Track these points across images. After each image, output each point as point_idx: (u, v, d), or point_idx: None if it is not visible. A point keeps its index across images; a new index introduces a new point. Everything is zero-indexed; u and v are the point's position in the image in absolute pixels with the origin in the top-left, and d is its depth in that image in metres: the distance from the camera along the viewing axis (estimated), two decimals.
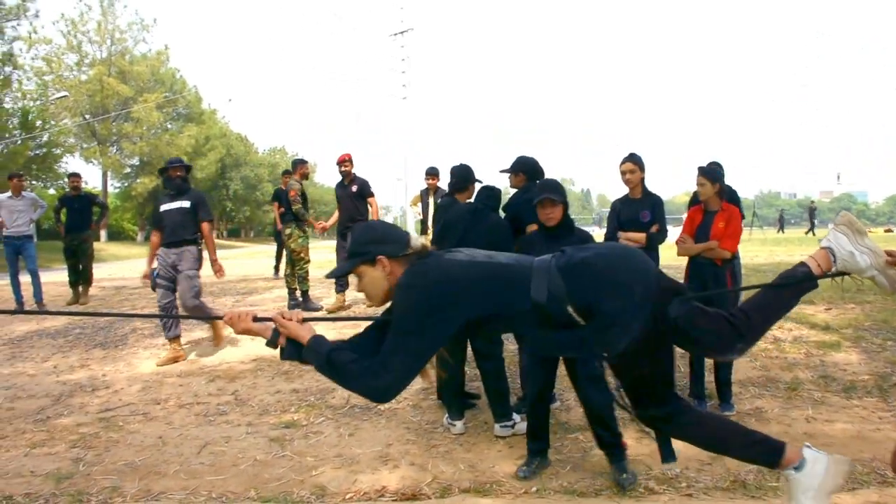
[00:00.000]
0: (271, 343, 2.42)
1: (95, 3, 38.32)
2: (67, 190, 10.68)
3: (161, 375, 6.00)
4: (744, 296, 2.92)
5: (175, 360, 6.35)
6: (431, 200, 9.09)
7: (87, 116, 36.83)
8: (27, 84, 33.41)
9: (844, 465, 2.31)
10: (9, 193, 9.44)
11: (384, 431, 4.44)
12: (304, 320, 2.43)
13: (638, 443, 4.12)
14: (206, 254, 6.56)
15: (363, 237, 2.40)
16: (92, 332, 7.85)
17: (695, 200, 5.13)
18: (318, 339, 2.31)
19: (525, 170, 4.74)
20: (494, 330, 2.44)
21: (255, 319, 2.46)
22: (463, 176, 5.03)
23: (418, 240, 2.39)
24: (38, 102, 33.08)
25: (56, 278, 12.32)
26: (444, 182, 9.17)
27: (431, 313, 2.18)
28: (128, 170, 41.26)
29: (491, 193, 4.66)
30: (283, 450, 4.16)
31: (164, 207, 6.41)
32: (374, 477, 3.72)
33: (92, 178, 44.35)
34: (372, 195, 8.77)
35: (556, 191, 3.88)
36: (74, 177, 10.32)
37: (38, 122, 30.38)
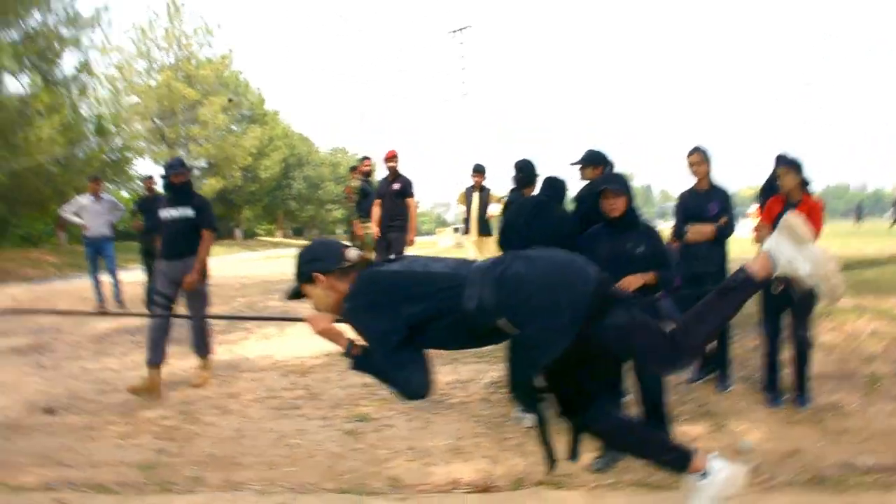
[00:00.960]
0: (347, 353, 2.58)
1: (163, 11, 39.42)
2: (143, 193, 11.05)
3: (235, 371, 6.19)
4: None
5: (150, 390, 5.45)
6: (476, 197, 9.09)
7: (157, 120, 37.96)
8: (101, 91, 34.68)
9: (742, 477, 2.47)
10: (89, 196, 9.84)
11: (455, 424, 4.49)
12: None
13: (710, 437, 4.09)
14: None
15: (300, 258, 2.54)
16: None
17: (769, 191, 5.02)
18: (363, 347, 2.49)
19: (595, 162, 4.71)
20: (439, 335, 2.41)
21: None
22: (528, 170, 5.04)
23: (353, 252, 2.48)
24: (111, 109, 34.27)
25: (133, 278, 12.77)
26: (488, 180, 9.21)
27: (379, 327, 2.32)
28: (196, 171, 42.34)
29: (554, 184, 4.63)
30: (356, 442, 4.25)
31: (164, 215, 5.78)
32: (447, 469, 3.78)
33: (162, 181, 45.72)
34: (412, 195, 8.71)
35: (618, 181, 3.86)
36: (149, 179, 10.64)
37: (112, 128, 31.43)
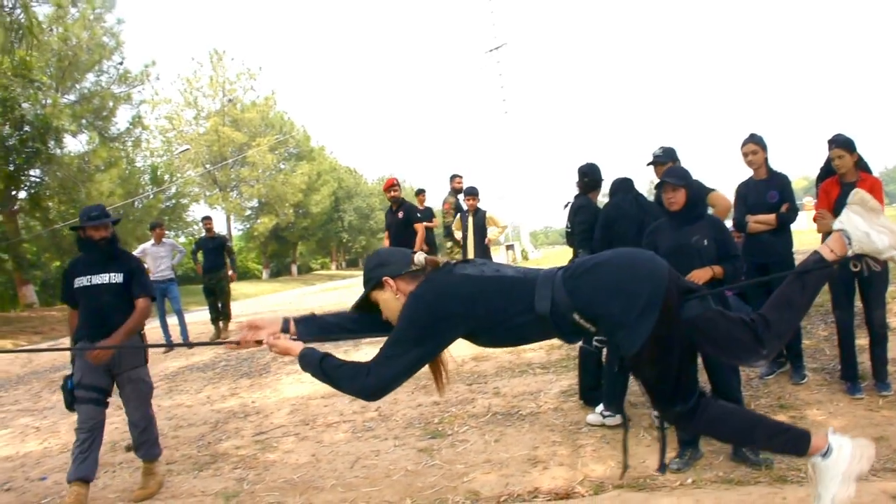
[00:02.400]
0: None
1: (206, 60, 40.61)
2: (202, 233, 11.32)
3: (306, 398, 6.25)
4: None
5: None
6: (471, 222, 8.93)
7: (208, 165, 38.94)
8: (154, 142, 35.86)
9: (869, 450, 2.26)
10: (152, 242, 10.13)
11: (529, 435, 4.45)
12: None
13: None
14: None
15: (368, 265, 2.50)
16: (237, 364, 8.27)
17: (825, 174, 4.90)
18: (309, 351, 2.41)
19: (672, 159, 4.67)
20: (499, 339, 2.40)
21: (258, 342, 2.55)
22: (594, 174, 5.08)
23: (421, 256, 2.44)
24: (164, 158, 35.36)
25: (196, 318, 13.05)
26: (482, 202, 9.08)
27: (432, 325, 2.25)
28: (248, 212, 43.22)
29: (632, 184, 4.70)
30: (432, 459, 4.24)
31: (81, 282, 4.30)
32: (526, 479, 3.74)
33: (216, 223, 46.86)
34: (419, 220, 8.51)
35: (677, 175, 3.81)
36: (207, 219, 10.93)
37: (166, 177, 32.39)
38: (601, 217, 4.71)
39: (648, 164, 4.78)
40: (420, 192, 11.21)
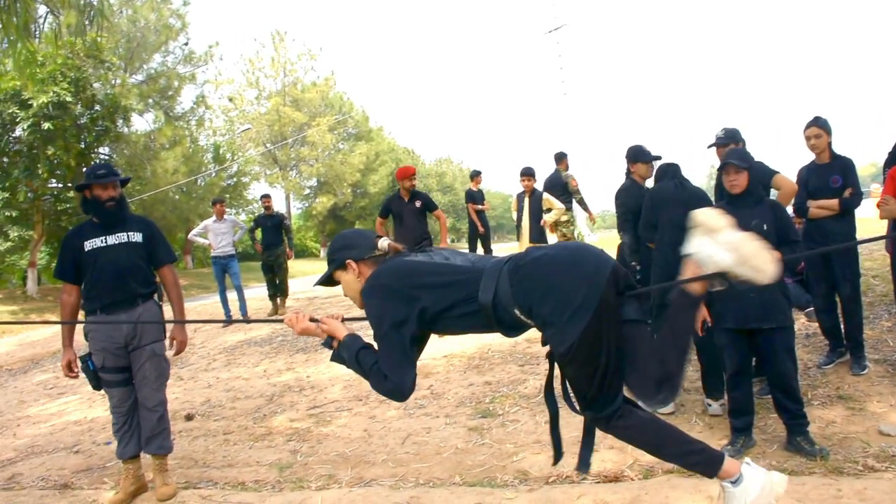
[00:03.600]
0: (326, 344, 2.55)
1: (268, 40, 41.17)
2: (261, 211, 11.53)
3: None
4: None
5: (136, 493, 3.98)
6: (527, 203, 8.82)
7: (268, 145, 39.57)
8: (216, 122, 36.66)
9: (780, 486, 2.22)
10: (213, 218, 10.36)
11: (579, 417, 4.42)
12: (345, 320, 2.58)
13: (848, 421, 3.89)
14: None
15: (334, 245, 2.56)
16: (293, 339, 8.43)
17: (893, 160, 4.73)
18: (352, 337, 2.45)
19: (731, 140, 4.56)
20: (452, 327, 2.39)
21: (311, 320, 2.58)
22: (631, 153, 5.04)
23: (385, 241, 2.50)
24: (226, 137, 36.15)
25: (254, 294, 13.33)
26: (539, 183, 8.95)
27: (388, 313, 2.28)
28: (307, 191, 43.82)
29: (678, 169, 4.62)
30: (482, 438, 4.27)
31: (94, 244, 3.89)
32: (575, 461, 3.72)
33: (275, 202, 47.70)
34: (437, 207, 8.12)
35: (740, 157, 3.74)
36: (266, 197, 11.13)
37: (228, 155, 33.09)
38: (646, 201, 4.63)
39: (710, 147, 4.68)
40: (476, 175, 11.20)
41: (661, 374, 2.23)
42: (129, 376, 3.95)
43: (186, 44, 27.22)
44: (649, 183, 4.97)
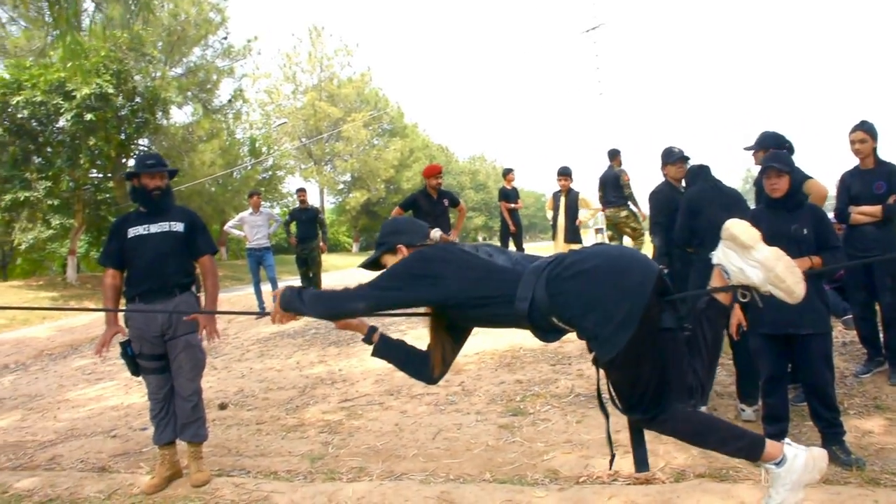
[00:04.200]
0: (367, 339, 2.67)
1: (305, 36, 41.52)
2: (296, 204, 11.64)
3: (391, 369, 6.35)
4: None
5: (171, 478, 4.03)
6: (563, 202, 8.76)
7: (304, 139, 39.88)
8: (253, 115, 37.04)
9: (822, 461, 2.29)
10: (249, 210, 10.49)
11: (611, 419, 4.42)
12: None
13: (886, 431, 3.83)
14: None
15: (386, 229, 2.60)
16: (326, 332, 8.51)
17: None
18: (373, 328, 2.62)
19: (769, 145, 4.51)
20: (468, 318, 2.44)
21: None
22: (664, 154, 5.01)
23: (437, 232, 2.56)
24: (262, 131, 36.49)
25: None
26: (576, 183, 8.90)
27: (413, 273, 2.33)
28: (341, 185, 44.06)
29: (709, 171, 4.59)
30: (512, 436, 4.28)
31: (137, 231, 3.99)
32: (606, 462, 3.71)
33: (310, 196, 48.01)
34: (458, 203, 8.07)
35: (783, 161, 3.69)
36: (301, 191, 11.23)
37: (264, 149, 33.39)
38: (683, 205, 4.58)
39: (747, 149, 4.62)
40: (508, 172, 11.19)
41: (691, 382, 2.26)
42: (166, 364, 4.00)
43: (226, 38, 27.52)
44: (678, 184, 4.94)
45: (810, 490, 3.13)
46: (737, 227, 2.20)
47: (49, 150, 18.75)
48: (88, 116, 17.18)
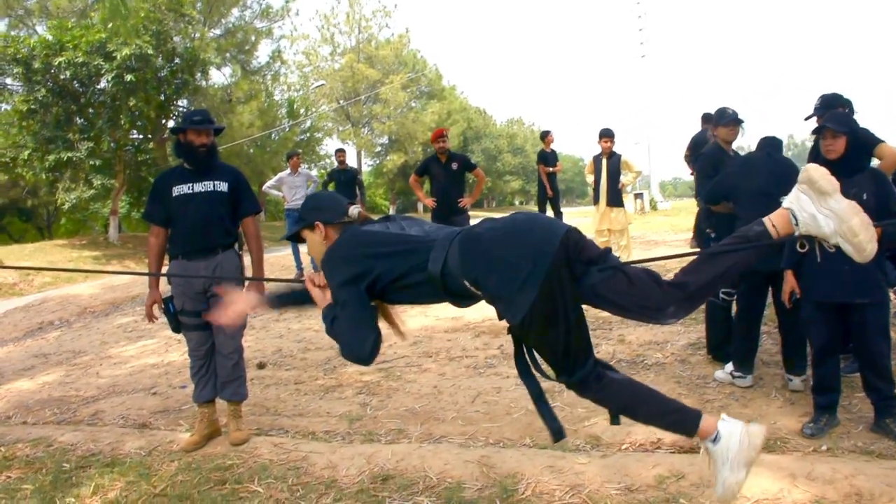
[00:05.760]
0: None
1: None
2: (334, 165, 11.61)
3: (430, 331, 6.36)
4: None
5: (211, 436, 4.05)
6: (605, 165, 8.55)
7: (341, 101, 39.80)
8: (291, 77, 37.03)
9: (759, 437, 2.17)
10: (288, 171, 10.49)
11: (653, 385, 4.32)
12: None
13: None
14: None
15: (306, 204, 2.64)
16: None
17: None
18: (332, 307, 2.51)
19: (828, 107, 4.28)
20: (404, 298, 2.42)
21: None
22: (714, 114, 4.86)
23: (356, 210, 2.56)
24: (300, 92, 36.48)
25: None
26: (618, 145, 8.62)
27: (345, 279, 2.32)
28: (378, 148, 44.04)
29: (780, 144, 4.39)
30: (553, 401, 4.20)
31: (181, 190, 3.96)
32: (648, 429, 3.63)
33: (347, 158, 48.15)
34: (475, 166, 7.91)
35: (838, 121, 3.49)
36: (340, 152, 11.19)
37: (302, 110, 33.43)
38: (728, 167, 4.42)
39: (808, 118, 4.38)
40: (547, 134, 10.99)
41: (685, 289, 2.13)
42: (207, 322, 3.95)
43: None
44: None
45: (864, 465, 3.04)
46: (816, 172, 2.06)
47: (91, 111, 18.97)
48: (128, 77, 17.30)
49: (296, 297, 2.79)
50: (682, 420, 2.25)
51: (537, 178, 10.89)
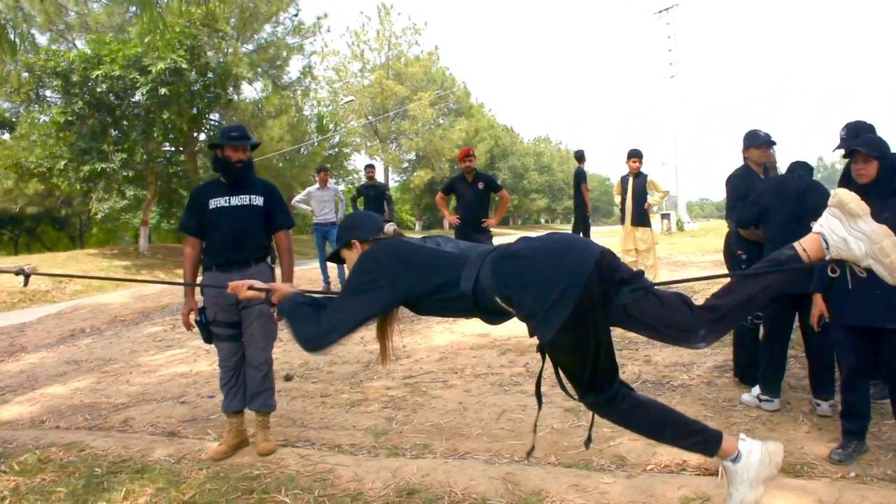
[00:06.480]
0: (266, 302, 2.82)
1: (374, 14, 41.73)
2: (363, 180, 11.71)
3: (456, 347, 6.39)
4: None
5: (238, 446, 4.10)
6: (631, 184, 8.56)
7: (370, 117, 40.17)
8: (321, 92, 37.48)
9: (778, 455, 2.25)
10: (317, 185, 10.60)
11: (679, 407, 4.32)
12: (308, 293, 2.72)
13: None
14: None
15: (344, 225, 2.70)
16: None
17: None
18: (298, 294, 2.62)
19: (858, 136, 4.26)
20: (436, 310, 2.46)
21: (252, 288, 2.87)
22: (746, 138, 4.84)
23: (391, 227, 2.63)
24: (329, 108, 36.93)
25: None
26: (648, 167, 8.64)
27: (370, 280, 2.36)
28: (405, 164, 44.35)
29: (811, 170, 4.43)
30: (578, 420, 4.22)
31: (218, 203, 4.06)
32: (673, 451, 3.63)
33: (375, 174, 48.39)
34: (501, 187, 7.96)
35: (871, 145, 3.49)
36: (370, 168, 11.28)
37: (331, 126, 33.75)
38: (758, 188, 4.42)
39: (835, 150, 4.35)
40: (583, 154, 11.04)
41: (715, 312, 2.16)
42: (239, 332, 4.05)
43: (296, 15, 27.81)
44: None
45: (894, 493, 3.01)
46: (846, 195, 2.09)
47: (125, 123, 19.36)
48: (163, 91, 17.64)
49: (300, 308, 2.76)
50: (704, 440, 2.29)
51: (575, 197, 10.90)
